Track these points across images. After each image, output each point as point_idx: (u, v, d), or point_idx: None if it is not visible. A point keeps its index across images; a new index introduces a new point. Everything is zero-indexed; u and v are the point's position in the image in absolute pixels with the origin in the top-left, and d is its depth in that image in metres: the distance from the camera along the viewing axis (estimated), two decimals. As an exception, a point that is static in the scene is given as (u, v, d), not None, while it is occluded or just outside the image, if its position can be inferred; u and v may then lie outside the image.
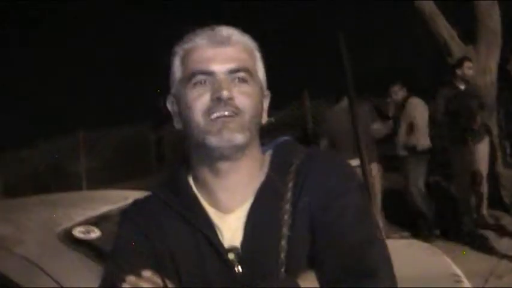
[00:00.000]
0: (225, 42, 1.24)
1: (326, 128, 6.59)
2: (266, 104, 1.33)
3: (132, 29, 14.70)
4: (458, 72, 6.35)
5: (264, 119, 1.31)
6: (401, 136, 6.49)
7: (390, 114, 6.72)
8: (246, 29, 1.31)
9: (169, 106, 1.32)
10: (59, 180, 11.79)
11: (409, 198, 6.47)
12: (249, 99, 1.22)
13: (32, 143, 12.73)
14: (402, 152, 6.51)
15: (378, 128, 6.28)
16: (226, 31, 1.25)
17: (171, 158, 11.88)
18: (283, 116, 10.61)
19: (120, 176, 11.38)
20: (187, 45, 1.26)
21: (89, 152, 12.51)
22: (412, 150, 6.41)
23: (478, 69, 7.22)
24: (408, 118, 6.47)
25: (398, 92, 6.67)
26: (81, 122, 12.62)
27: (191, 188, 1.29)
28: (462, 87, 6.33)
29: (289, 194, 1.22)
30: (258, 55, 1.31)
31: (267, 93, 1.33)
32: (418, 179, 6.45)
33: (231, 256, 1.21)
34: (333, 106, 6.58)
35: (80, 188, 11.35)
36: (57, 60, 15.59)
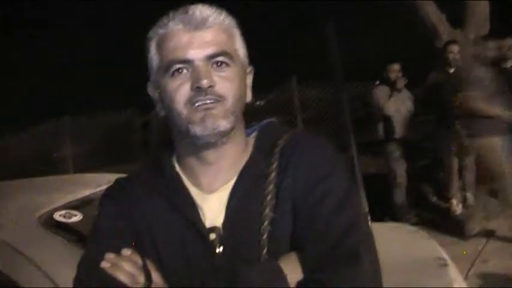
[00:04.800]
0: (201, 25, 1.18)
1: None
2: (250, 80, 1.29)
3: (116, 12, 14.55)
4: (445, 55, 6.36)
5: (249, 97, 1.27)
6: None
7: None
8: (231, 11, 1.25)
9: (150, 93, 1.29)
10: (44, 166, 11.69)
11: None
12: (230, 83, 1.19)
13: (17, 129, 12.59)
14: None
15: None
16: (201, 13, 1.19)
17: (157, 142, 11.82)
18: (270, 101, 10.52)
19: (106, 161, 11.31)
20: (161, 31, 1.21)
21: (75, 138, 12.41)
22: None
23: (465, 54, 7.22)
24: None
25: (398, 72, 6.35)
26: (67, 107, 12.51)
27: (174, 167, 1.27)
28: (451, 71, 6.34)
29: (272, 175, 1.20)
30: (237, 32, 1.25)
31: (249, 69, 1.29)
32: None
33: (212, 236, 1.18)
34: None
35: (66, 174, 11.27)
36: (40, 44, 15.40)
